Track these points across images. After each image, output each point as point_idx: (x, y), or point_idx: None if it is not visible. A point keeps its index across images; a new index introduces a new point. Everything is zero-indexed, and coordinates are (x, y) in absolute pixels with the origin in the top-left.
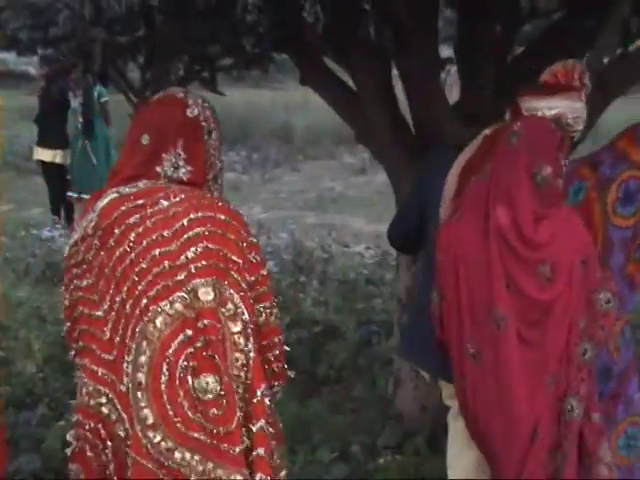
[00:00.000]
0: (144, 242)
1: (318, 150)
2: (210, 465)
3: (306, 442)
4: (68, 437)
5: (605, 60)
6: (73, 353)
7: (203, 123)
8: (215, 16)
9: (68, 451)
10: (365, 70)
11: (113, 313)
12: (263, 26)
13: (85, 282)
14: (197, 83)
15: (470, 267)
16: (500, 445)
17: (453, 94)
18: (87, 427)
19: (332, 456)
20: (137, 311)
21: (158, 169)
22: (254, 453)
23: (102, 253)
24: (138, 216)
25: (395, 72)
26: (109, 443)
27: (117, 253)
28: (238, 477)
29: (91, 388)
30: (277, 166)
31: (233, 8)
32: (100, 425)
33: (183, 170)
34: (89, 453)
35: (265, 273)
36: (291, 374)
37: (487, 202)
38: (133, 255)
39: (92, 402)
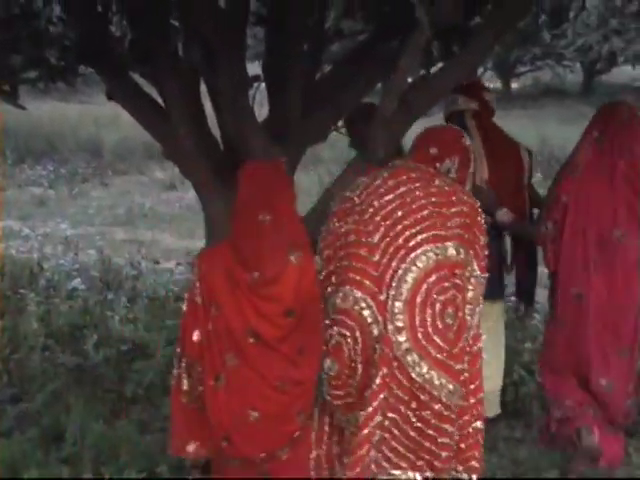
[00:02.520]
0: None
1: (128, 165)
2: (435, 373)
3: (113, 463)
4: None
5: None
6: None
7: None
8: (17, 26)
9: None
10: (173, 86)
11: (385, 242)
12: (69, 38)
13: (357, 217)
14: None
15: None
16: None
17: (264, 111)
18: (347, 326)
19: (139, 476)
20: (410, 244)
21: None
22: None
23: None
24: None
25: (204, 88)
26: (360, 341)
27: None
28: (458, 390)
29: (358, 295)
30: (85, 181)
31: (36, 19)
32: (358, 326)
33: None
34: (344, 348)
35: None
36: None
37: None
38: (414, 206)
39: (356, 307)
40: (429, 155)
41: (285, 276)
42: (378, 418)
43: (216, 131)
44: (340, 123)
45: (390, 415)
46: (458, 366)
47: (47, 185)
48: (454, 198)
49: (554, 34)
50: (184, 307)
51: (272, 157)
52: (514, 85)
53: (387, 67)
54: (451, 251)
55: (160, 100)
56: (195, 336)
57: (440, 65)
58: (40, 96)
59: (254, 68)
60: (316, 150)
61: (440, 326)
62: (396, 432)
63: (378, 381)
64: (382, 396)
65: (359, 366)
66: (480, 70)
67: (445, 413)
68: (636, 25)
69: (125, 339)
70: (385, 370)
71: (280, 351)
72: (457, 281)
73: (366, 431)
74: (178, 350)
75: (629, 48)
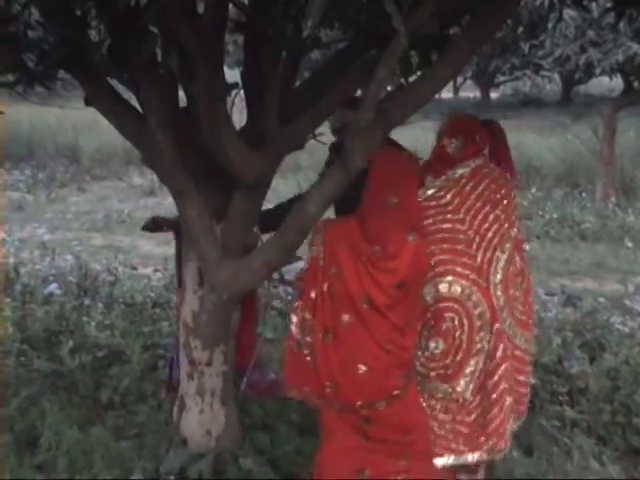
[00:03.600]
0: (497, 194)
1: (106, 170)
2: (518, 330)
3: (87, 470)
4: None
5: (386, 90)
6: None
7: None
8: None
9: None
10: (150, 92)
11: (479, 235)
12: (47, 43)
13: (450, 216)
14: None
15: None
16: None
17: (244, 117)
18: (455, 311)
19: None
20: (497, 235)
21: None
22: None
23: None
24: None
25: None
26: (467, 324)
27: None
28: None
29: (463, 284)
30: (64, 186)
31: (14, 22)
32: (465, 311)
33: None
34: (451, 331)
35: None
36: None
37: None
38: (494, 200)
39: (462, 295)
40: (477, 146)
41: (403, 253)
42: (503, 385)
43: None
44: (317, 131)
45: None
46: (530, 320)
47: (25, 190)
48: (506, 185)
49: (532, 44)
50: (305, 266)
51: (249, 164)
52: (493, 95)
53: (365, 75)
54: (515, 231)
55: (138, 106)
56: (312, 294)
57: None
58: (19, 100)
59: (235, 75)
60: (295, 157)
61: (517, 294)
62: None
63: (499, 354)
64: (504, 366)
65: (464, 345)
66: (459, 79)
67: (528, 359)
68: (613, 37)
69: (101, 345)
70: (503, 345)
71: (389, 319)
72: (522, 254)
73: (495, 396)
74: (296, 304)
75: (606, 59)
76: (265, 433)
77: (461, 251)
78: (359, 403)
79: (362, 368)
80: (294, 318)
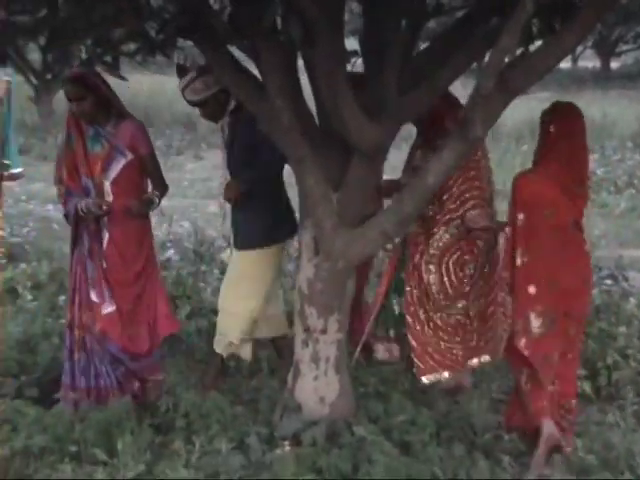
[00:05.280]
0: None
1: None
2: None
3: (203, 432)
4: None
5: (506, 59)
6: None
7: None
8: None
9: None
10: (271, 60)
11: None
12: (168, 12)
13: None
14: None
15: None
16: None
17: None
18: None
19: (229, 446)
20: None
21: None
22: None
23: None
24: None
25: (301, 63)
26: None
27: None
28: None
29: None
30: (180, 154)
31: None
32: None
33: None
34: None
35: None
36: None
37: None
38: None
39: None
40: None
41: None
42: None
43: (312, 105)
44: None
45: None
46: None
47: None
48: None
49: None
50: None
51: (366, 132)
52: (614, 64)
53: (486, 44)
54: None
55: (258, 73)
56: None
57: (539, 42)
58: (139, 69)
59: (350, 44)
60: (409, 127)
61: None
62: None
63: None
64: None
65: None
66: (579, 48)
67: None
68: None
69: (217, 311)
70: None
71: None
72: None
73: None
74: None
75: None
76: (379, 402)
77: None
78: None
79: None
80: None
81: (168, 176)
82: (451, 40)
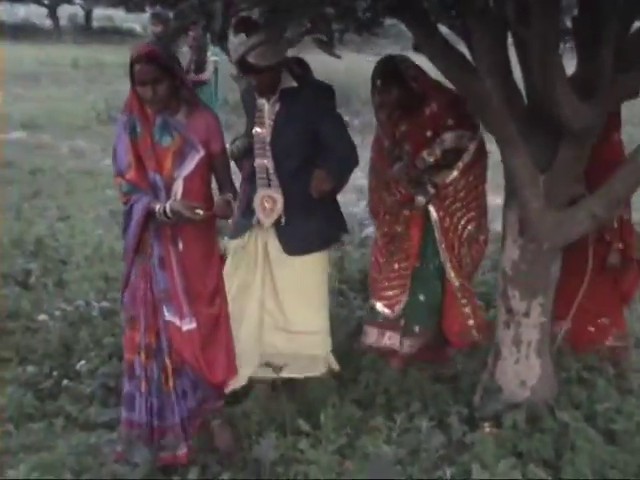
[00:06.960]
0: None
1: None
2: None
3: (404, 409)
4: None
5: None
6: None
7: None
8: None
9: None
10: (483, 40)
11: None
12: None
13: None
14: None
15: None
16: None
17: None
18: None
19: (430, 424)
20: None
21: None
22: None
23: None
24: None
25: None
26: None
27: None
28: None
29: None
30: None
31: None
32: None
33: None
34: None
35: None
36: None
37: None
38: None
39: None
40: None
41: None
42: None
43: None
44: None
45: None
46: None
47: None
48: None
49: None
50: None
51: (579, 113)
52: None
53: None
54: None
55: (466, 53)
56: None
57: None
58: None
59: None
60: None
61: None
62: None
63: None
64: None
65: None
66: None
67: None
68: None
69: None
70: None
71: None
72: None
73: None
74: None
75: None
76: (582, 388)
77: None
78: None
79: None
80: None
81: (366, 153)
82: None
